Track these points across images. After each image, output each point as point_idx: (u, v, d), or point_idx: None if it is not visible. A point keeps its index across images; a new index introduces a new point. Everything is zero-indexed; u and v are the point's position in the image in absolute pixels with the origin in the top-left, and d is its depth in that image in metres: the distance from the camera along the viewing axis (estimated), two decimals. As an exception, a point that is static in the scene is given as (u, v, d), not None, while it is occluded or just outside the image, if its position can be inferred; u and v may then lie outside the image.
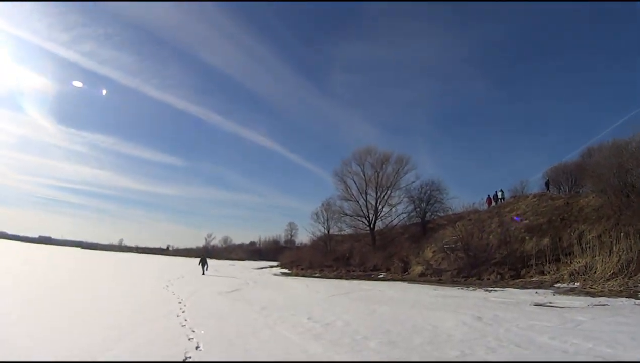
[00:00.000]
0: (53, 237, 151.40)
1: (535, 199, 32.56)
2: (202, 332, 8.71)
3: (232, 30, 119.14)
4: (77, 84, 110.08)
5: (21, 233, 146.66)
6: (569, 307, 13.25)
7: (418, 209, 42.41)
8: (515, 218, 19.07)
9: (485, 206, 37.46)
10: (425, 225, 40.84)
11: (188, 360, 3.99)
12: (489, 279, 24.58)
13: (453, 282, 25.53)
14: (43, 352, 6.57)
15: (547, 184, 36.49)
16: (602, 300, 14.68)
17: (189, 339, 7.92)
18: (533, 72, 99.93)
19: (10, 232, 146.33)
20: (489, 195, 38.42)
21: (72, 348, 6.76)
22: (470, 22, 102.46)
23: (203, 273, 31.28)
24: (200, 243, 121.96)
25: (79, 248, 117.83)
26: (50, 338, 7.56)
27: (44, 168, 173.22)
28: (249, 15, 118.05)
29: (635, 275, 17.32)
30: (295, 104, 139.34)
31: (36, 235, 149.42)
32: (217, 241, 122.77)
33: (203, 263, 32.86)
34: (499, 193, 37.87)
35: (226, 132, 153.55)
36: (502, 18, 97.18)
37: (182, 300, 14.23)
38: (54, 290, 15.82)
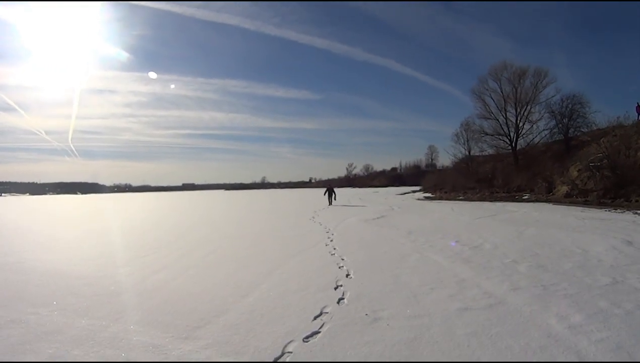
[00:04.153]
0: (196, 183, 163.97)
1: (685, 112, 27.96)
2: (351, 259, 8.90)
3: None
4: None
5: (164, 184, 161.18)
6: None
7: (560, 125, 39.50)
8: None
9: (635, 115, 32.85)
10: (568, 142, 37.88)
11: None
12: (637, 201, 22.42)
13: (600, 204, 23.65)
14: (204, 284, 7.17)
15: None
16: None
17: (339, 267, 8.16)
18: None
19: (152, 184, 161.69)
20: (637, 103, 33.36)
21: (228, 283, 7.27)
22: None
23: (330, 204, 30.74)
24: (342, 173, 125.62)
25: (222, 191, 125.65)
26: (212, 274, 8.18)
27: (178, 120, 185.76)
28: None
29: None
30: (421, 25, 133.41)
31: (179, 183, 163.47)
32: (358, 170, 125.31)
33: (330, 193, 32.12)
34: None
35: (356, 61, 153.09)
36: None
37: (329, 229, 14.62)
38: (208, 227, 17.14)
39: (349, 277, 7.32)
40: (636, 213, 17.82)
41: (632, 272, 7.04)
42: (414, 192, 56.51)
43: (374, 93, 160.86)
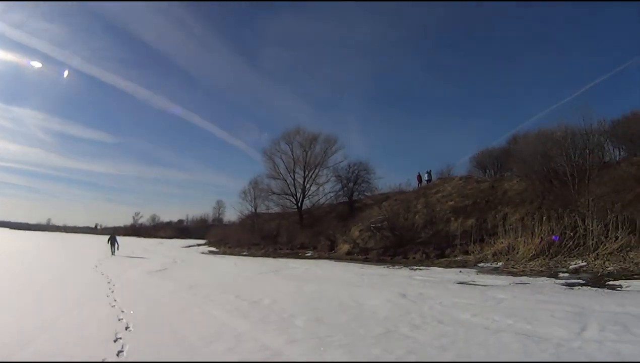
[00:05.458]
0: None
1: (461, 181, 33.15)
2: (132, 312, 8.81)
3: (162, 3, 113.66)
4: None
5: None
6: (492, 285, 13.34)
7: (345, 188, 43.26)
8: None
9: (416, 183, 38.48)
10: (352, 204, 41.57)
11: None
12: (414, 258, 24.65)
13: (379, 261, 25.70)
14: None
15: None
16: (524, 279, 14.84)
17: (119, 320, 8.03)
18: (464, 57, 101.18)
19: None
20: (419, 173, 39.23)
21: (3, 334, 6.84)
22: (406, 5, 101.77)
23: (113, 253, 29.05)
24: (129, 221, 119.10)
25: (6, 229, 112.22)
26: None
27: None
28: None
29: (556, 256, 17.82)
30: (226, 80, 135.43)
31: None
32: (145, 219, 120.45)
33: (112, 242, 30.26)
34: (426, 175, 38.41)
35: (155, 108, 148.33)
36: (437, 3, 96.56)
37: (111, 280, 14.13)
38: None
39: (128, 329, 7.27)
40: (412, 269, 20.06)
41: (404, 322, 7.86)
42: (199, 245, 56.15)
43: (170, 142, 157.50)
